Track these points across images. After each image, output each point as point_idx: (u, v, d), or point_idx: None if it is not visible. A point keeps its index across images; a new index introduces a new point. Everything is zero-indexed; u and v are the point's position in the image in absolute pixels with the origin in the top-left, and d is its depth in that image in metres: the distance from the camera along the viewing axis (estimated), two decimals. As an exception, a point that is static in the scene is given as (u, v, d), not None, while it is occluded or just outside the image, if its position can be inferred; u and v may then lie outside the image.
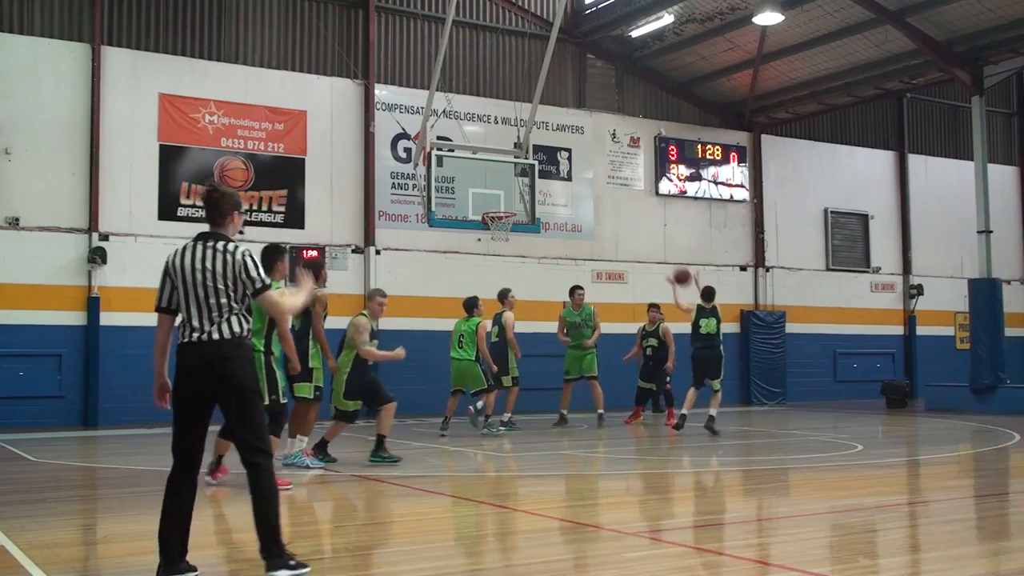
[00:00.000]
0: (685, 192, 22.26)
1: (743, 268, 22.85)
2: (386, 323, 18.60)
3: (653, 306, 16.89)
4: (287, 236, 18.13)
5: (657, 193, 21.93)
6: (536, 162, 18.20)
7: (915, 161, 25.24)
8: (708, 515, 7.93)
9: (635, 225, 21.49)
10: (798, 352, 22.59)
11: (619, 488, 9.59)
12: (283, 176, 18.33)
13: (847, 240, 24.31)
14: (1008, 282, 23.47)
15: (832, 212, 23.99)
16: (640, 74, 22.24)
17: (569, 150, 20.94)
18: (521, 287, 18.40)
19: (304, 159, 18.49)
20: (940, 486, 9.83)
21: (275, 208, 18.17)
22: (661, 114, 22.38)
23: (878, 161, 24.96)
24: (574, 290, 16.18)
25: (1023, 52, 20.02)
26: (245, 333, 5.30)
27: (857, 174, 24.51)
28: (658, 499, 8.60)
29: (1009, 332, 20.50)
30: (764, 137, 23.42)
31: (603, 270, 21.00)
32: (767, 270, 23.01)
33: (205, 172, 17.63)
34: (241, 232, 5.78)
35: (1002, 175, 25.25)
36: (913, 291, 24.64)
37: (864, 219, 24.56)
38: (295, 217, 18.33)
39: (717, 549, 6.40)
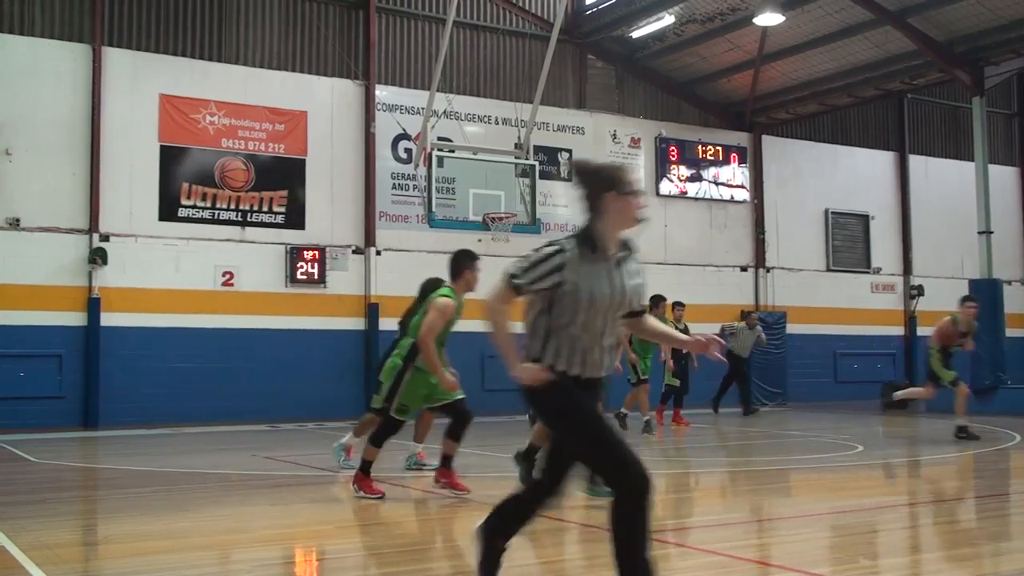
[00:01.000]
0: (686, 193, 22.27)
1: (744, 269, 22.85)
2: (386, 324, 18.63)
3: (678, 304, 16.70)
4: (287, 237, 18.15)
5: (658, 194, 21.92)
6: (537, 163, 18.21)
7: (916, 162, 25.24)
8: (709, 515, 7.92)
9: (638, 227, 21.47)
10: (798, 352, 22.57)
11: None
12: (284, 177, 18.33)
13: (848, 241, 24.31)
14: (1009, 283, 23.46)
15: (833, 213, 23.99)
16: (641, 75, 22.24)
17: (570, 151, 20.94)
18: (521, 288, 18.38)
19: (304, 160, 18.50)
20: (941, 487, 9.83)
21: (276, 209, 18.17)
22: (662, 115, 22.39)
23: (879, 162, 24.96)
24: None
25: (1023, 53, 20.03)
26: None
27: (858, 175, 24.51)
28: (659, 500, 8.58)
29: (1010, 333, 20.50)
30: (765, 138, 23.42)
31: (603, 271, 20.99)
32: (767, 271, 23.02)
33: (206, 173, 17.64)
34: (639, 220, 4.59)
35: (1003, 176, 25.24)
36: (914, 292, 24.63)
37: (865, 220, 24.56)
38: (296, 218, 18.33)
39: (718, 550, 6.39)
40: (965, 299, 13.90)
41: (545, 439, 8.15)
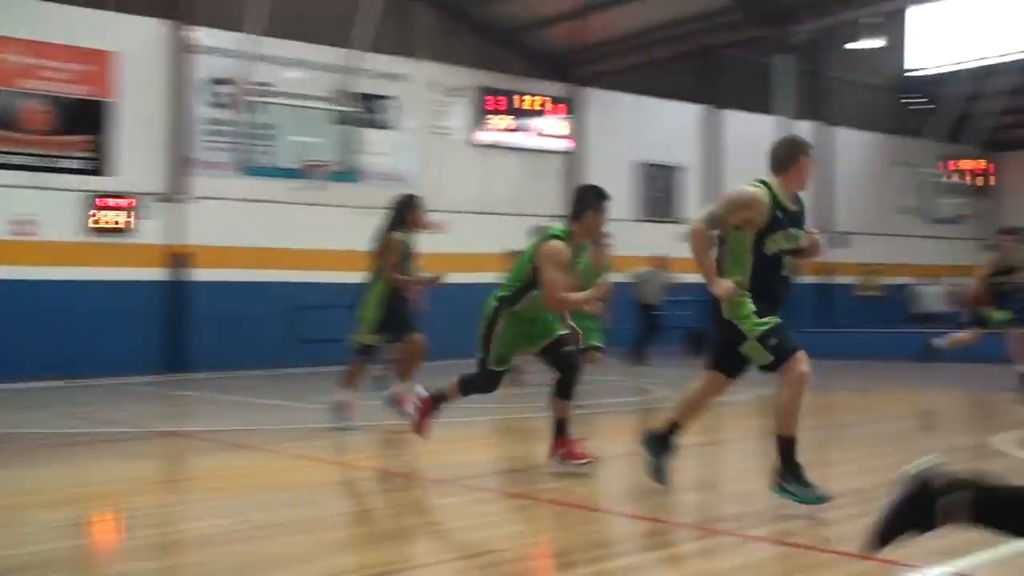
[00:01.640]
0: (506, 142, 22.41)
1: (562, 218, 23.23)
2: (200, 274, 18.15)
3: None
4: (94, 184, 17.32)
5: (478, 143, 22.00)
6: (357, 110, 18.00)
7: (727, 115, 26.12)
8: (518, 460, 8.12)
9: (456, 175, 21.51)
10: (614, 300, 23.10)
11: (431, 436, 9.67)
12: (89, 121, 17.42)
13: (661, 191, 25.08)
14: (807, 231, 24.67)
15: (647, 164, 24.64)
16: (465, 22, 22.13)
17: (391, 98, 20.70)
18: (339, 237, 18.23)
19: (112, 103, 17.64)
20: (739, 425, 10.35)
21: (79, 154, 17.29)
22: (485, 63, 22.37)
23: (692, 114, 25.74)
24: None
25: (828, 13, 21.09)
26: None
27: (672, 127, 25.21)
28: (466, 446, 8.73)
29: (809, 280, 21.68)
30: (585, 89, 23.76)
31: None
32: (586, 220, 23.50)
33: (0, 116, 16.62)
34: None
35: (805, 131, 26.42)
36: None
37: (676, 171, 25.36)
38: (102, 164, 17.49)
39: (527, 492, 6.57)
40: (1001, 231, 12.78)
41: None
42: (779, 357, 5.59)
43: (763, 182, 5.85)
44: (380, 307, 9.11)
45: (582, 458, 6.89)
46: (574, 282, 7.21)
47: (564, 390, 6.93)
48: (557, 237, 6.96)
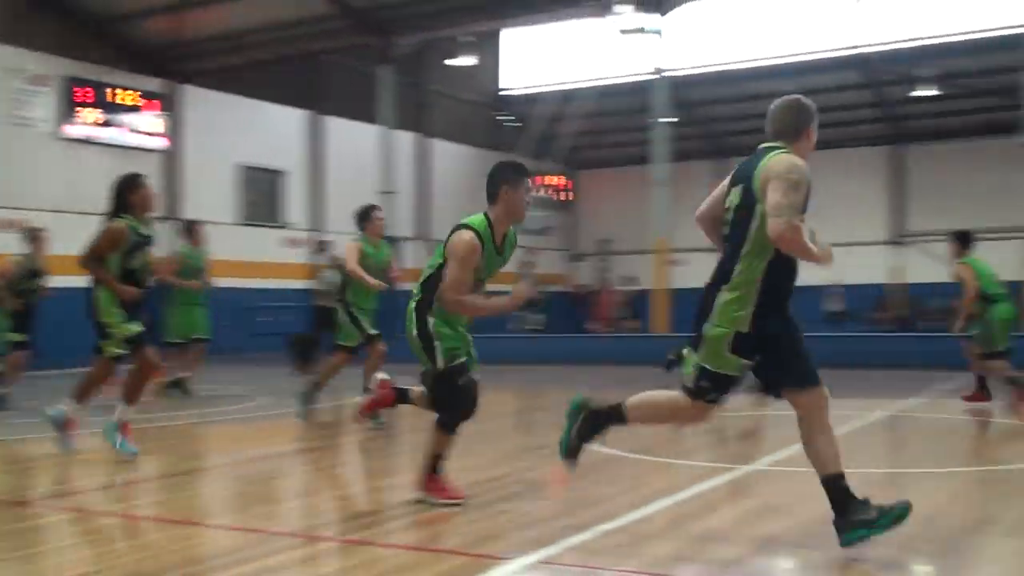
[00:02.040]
0: (96, 138, 21.11)
1: (159, 220, 22.29)
2: None
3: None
4: None
5: (64, 137, 20.55)
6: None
7: (331, 122, 26.35)
8: (116, 476, 7.75)
9: (37, 171, 19.95)
10: (214, 306, 22.49)
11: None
12: None
13: (261, 195, 24.84)
14: (404, 239, 25.45)
15: (248, 167, 24.29)
16: (52, 6, 20.57)
17: (-40, 83, 18.86)
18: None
19: None
20: (338, 432, 10.52)
21: None
22: (74, 52, 20.91)
23: (296, 119, 25.71)
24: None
25: (427, 28, 21.98)
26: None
27: (275, 131, 25.04)
28: (59, 464, 8.17)
29: (405, 286, 22.34)
30: (185, 87, 22.99)
31: None
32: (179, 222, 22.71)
33: None
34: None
35: (406, 141, 27.27)
36: (323, 246, 25.76)
37: (278, 176, 25.22)
38: None
39: (122, 510, 6.30)
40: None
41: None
42: (690, 395, 5.03)
43: (778, 146, 4.90)
44: (117, 306, 7.80)
45: (453, 498, 5.87)
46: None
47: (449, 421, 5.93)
48: (470, 228, 5.80)
